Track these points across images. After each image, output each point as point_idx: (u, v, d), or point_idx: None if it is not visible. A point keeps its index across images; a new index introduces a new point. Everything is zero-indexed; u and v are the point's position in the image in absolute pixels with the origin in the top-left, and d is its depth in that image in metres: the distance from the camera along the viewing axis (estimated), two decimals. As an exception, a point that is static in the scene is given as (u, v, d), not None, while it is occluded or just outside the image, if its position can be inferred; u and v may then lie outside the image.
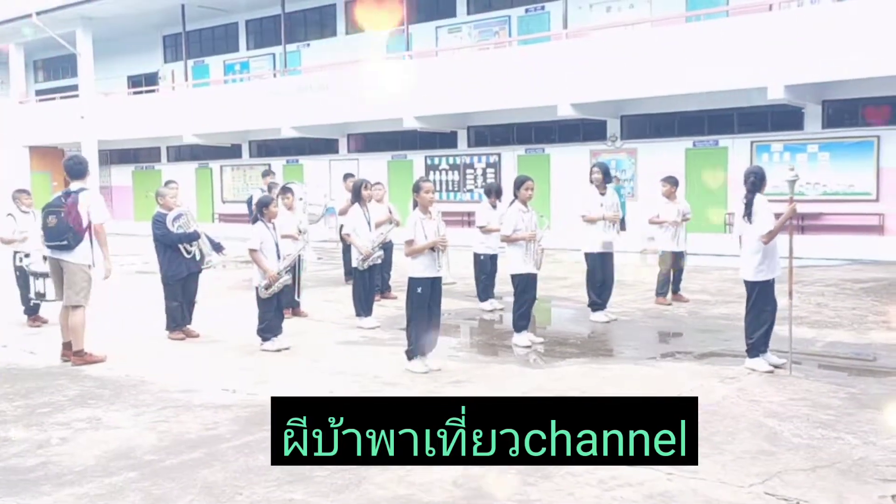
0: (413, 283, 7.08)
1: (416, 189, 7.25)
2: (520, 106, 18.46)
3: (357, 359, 7.77)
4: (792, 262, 7.00)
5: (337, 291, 12.01)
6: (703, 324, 9.24)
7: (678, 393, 6.20)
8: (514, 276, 8.17)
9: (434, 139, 21.99)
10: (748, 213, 6.85)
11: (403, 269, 11.73)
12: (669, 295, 10.53)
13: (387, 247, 10.13)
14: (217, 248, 9.07)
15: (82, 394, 6.59)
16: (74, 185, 7.58)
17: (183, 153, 28.38)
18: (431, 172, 21.66)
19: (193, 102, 25.00)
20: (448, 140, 21.83)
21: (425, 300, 7.04)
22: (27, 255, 9.38)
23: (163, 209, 8.64)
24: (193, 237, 8.66)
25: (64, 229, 7.36)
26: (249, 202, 12.39)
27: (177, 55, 28.38)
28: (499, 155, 20.86)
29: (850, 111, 16.32)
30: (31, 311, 9.79)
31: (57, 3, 25.76)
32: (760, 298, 6.87)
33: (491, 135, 21.35)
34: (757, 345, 6.90)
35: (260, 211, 8.22)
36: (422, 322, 7.04)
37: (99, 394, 6.57)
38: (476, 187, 21.09)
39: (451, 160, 21.77)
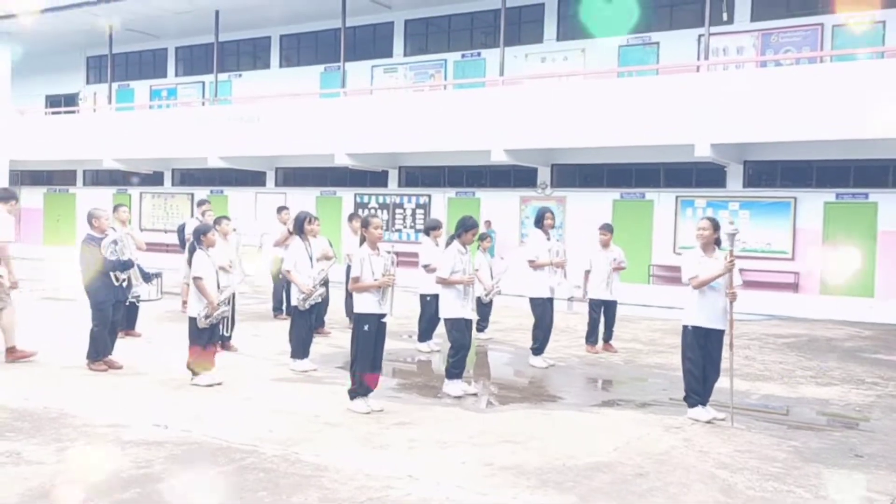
0: (360, 319, 6.88)
1: (366, 224, 7.12)
2: (452, 149, 18.57)
3: (294, 397, 7.47)
4: (732, 317, 7.08)
5: (264, 326, 11.66)
6: (639, 372, 9.30)
7: (625, 441, 6.17)
8: (447, 321, 7.79)
9: (364, 177, 21.87)
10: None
11: (339, 307, 11.54)
12: (600, 343, 10.58)
13: (324, 283, 9.84)
14: (147, 277, 8.69)
15: (-2, 426, 6.12)
16: None
17: (101, 178, 27.39)
18: (361, 210, 21.46)
19: (115, 126, 24.20)
20: (379, 179, 21.74)
21: (371, 338, 6.86)
22: None
23: (96, 232, 8.19)
24: (128, 265, 8.22)
25: None
26: (181, 230, 11.92)
27: (100, 77, 27.50)
28: (429, 196, 20.86)
29: (770, 172, 17.03)
30: None
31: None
32: (685, 345, 6.95)
33: (422, 176, 21.36)
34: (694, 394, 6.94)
35: (198, 239, 7.90)
36: (367, 361, 6.84)
37: (17, 426, 6.10)
38: (406, 227, 21.00)
39: (380, 199, 21.66)
